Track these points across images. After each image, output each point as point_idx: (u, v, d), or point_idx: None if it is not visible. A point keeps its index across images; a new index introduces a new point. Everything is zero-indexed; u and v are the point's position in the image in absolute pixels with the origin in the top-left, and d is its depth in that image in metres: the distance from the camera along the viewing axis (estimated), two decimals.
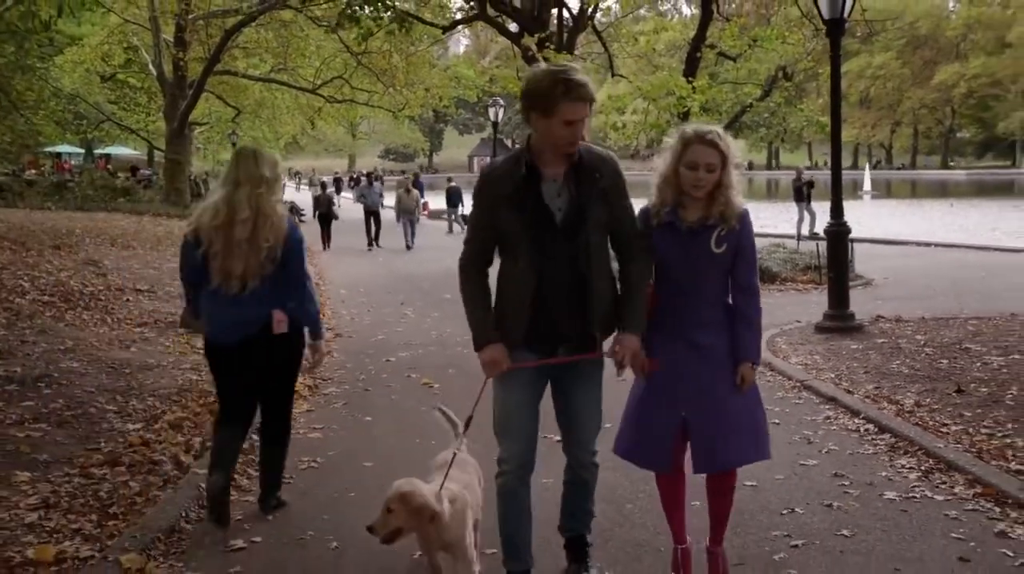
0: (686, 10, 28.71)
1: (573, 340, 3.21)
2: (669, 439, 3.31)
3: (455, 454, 3.38)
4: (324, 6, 21.11)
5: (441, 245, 20.18)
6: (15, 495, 4.35)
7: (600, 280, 3.18)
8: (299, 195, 42.54)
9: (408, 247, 20.37)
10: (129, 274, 12.81)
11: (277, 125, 36.76)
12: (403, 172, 40.12)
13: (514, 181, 3.12)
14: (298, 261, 4.16)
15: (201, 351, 8.34)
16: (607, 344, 3.29)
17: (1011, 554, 3.68)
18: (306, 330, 4.33)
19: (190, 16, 25.77)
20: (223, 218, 4.00)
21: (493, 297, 3.25)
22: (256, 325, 4.09)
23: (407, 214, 20.83)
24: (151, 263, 14.49)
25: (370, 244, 20.61)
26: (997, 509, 4.16)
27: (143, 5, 26.86)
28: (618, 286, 3.32)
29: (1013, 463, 4.72)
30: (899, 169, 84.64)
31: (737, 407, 3.29)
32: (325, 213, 20.63)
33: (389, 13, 9.71)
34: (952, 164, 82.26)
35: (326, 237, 20.56)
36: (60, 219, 20.27)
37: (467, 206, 20.01)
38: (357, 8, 9.40)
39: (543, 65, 2.84)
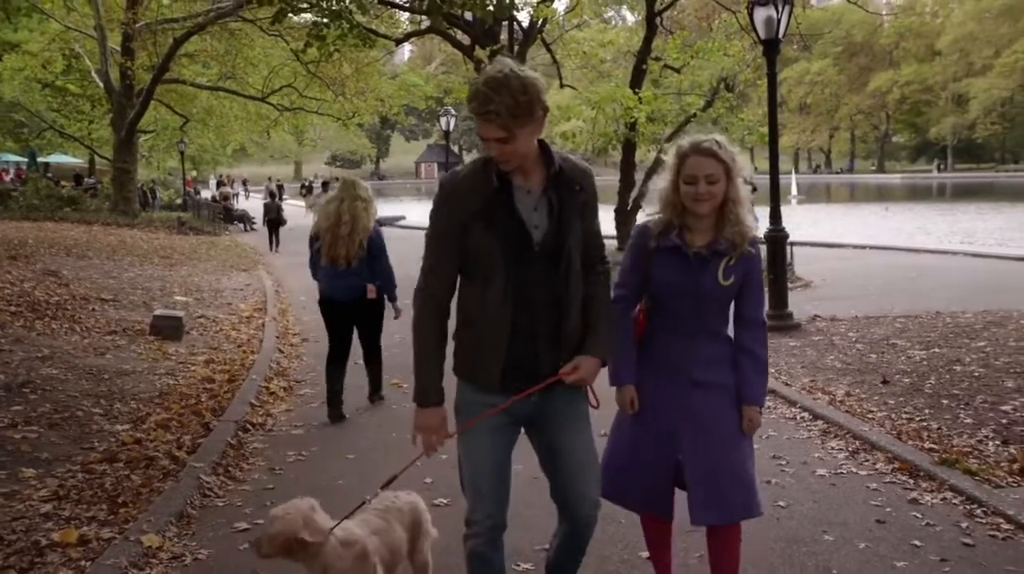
0: (629, 17, 29.32)
1: (547, 377, 2.75)
2: (667, 481, 3.06)
3: (366, 500, 3.04)
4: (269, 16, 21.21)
5: (393, 250, 20.32)
6: (26, 489, 4.70)
7: (575, 307, 2.76)
8: (249, 203, 42.29)
9: None
10: (91, 284, 12.95)
11: (226, 133, 36.73)
12: (324, 179, 40.15)
13: (483, 194, 2.65)
14: (379, 250, 6.36)
15: (174, 357, 8.73)
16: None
17: (920, 516, 4.27)
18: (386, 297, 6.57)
19: (137, 25, 25.72)
20: (332, 221, 6.24)
21: (459, 330, 2.80)
22: (357, 291, 6.34)
23: None
24: (110, 273, 14.61)
25: None
26: (911, 481, 4.77)
27: (87, 12, 26.74)
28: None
29: (927, 442, 5.34)
30: (838, 173, 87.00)
31: (741, 453, 3.02)
32: (274, 219, 22.42)
33: (354, 31, 10.08)
34: (929, 165, 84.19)
35: (275, 240, 22.31)
36: (8, 229, 20.14)
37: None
38: (324, 27, 9.76)
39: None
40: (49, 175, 37.06)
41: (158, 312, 10.02)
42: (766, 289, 10.12)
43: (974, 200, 40.95)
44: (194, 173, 49.35)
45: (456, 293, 2.80)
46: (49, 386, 7.04)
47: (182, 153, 36.89)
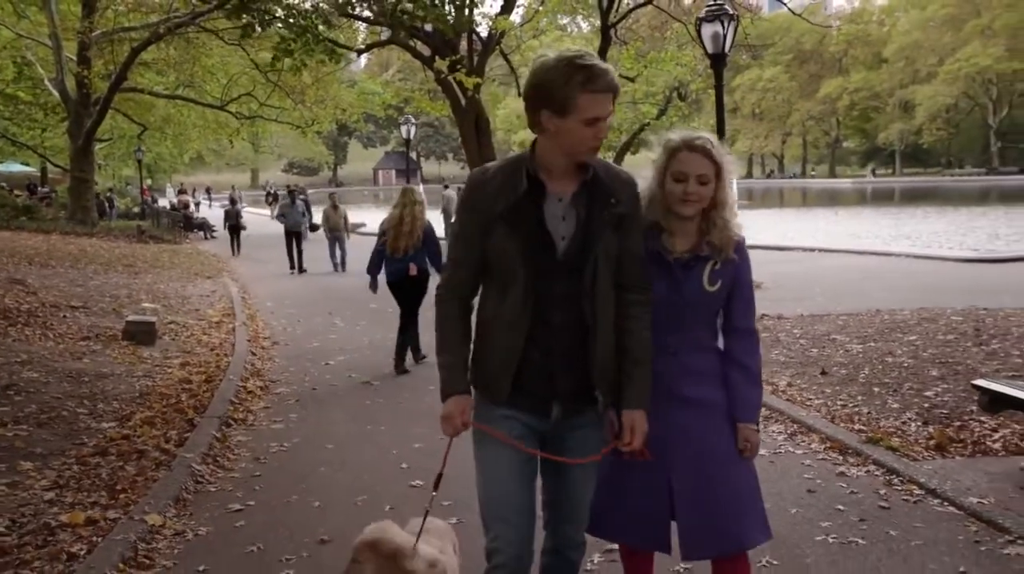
0: (584, 25, 29.85)
1: (570, 398, 2.61)
2: (663, 511, 2.77)
3: (427, 512, 2.71)
4: (226, 24, 21.23)
5: (361, 258, 19.99)
6: (27, 480, 5.03)
7: (606, 325, 2.59)
8: (210, 211, 42.12)
9: (336, 269, 18.76)
10: (58, 292, 13.13)
11: (183, 141, 36.70)
12: (290, 187, 40.29)
13: (511, 196, 2.51)
14: (430, 240, 8.27)
15: (149, 361, 9.02)
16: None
17: (845, 486, 4.80)
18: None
19: (94, 33, 25.70)
20: (396, 220, 8.19)
21: (476, 339, 2.70)
22: (403, 271, 8.21)
23: (334, 232, 18.95)
24: (76, 281, 14.77)
25: (292, 268, 18.80)
26: (840, 457, 5.30)
27: (40, 20, 26.66)
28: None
29: (857, 425, 5.88)
30: (791, 178, 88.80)
31: (737, 475, 2.77)
32: (234, 225, 24.19)
33: (320, 46, 10.44)
34: (881, 169, 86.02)
35: (236, 245, 23.91)
36: None
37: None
38: (291, 42, 10.11)
39: (550, 53, 2.44)
40: (1, 184, 36.69)
41: (131, 318, 10.30)
42: None
43: (921, 204, 42.25)
44: (149, 181, 49.07)
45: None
46: (32, 388, 7.32)
47: (139, 161, 36.76)
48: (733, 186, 2.82)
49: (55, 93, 27.77)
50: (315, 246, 20.23)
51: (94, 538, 4.12)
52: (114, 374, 8.18)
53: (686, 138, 2.74)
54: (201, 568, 3.92)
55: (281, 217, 19.55)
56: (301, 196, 21.37)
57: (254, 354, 9.37)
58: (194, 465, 5.28)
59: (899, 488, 4.68)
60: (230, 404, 6.93)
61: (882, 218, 33.53)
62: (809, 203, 53.38)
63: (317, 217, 21.59)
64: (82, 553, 3.95)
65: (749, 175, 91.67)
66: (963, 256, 18.14)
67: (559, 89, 2.39)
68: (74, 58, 26.87)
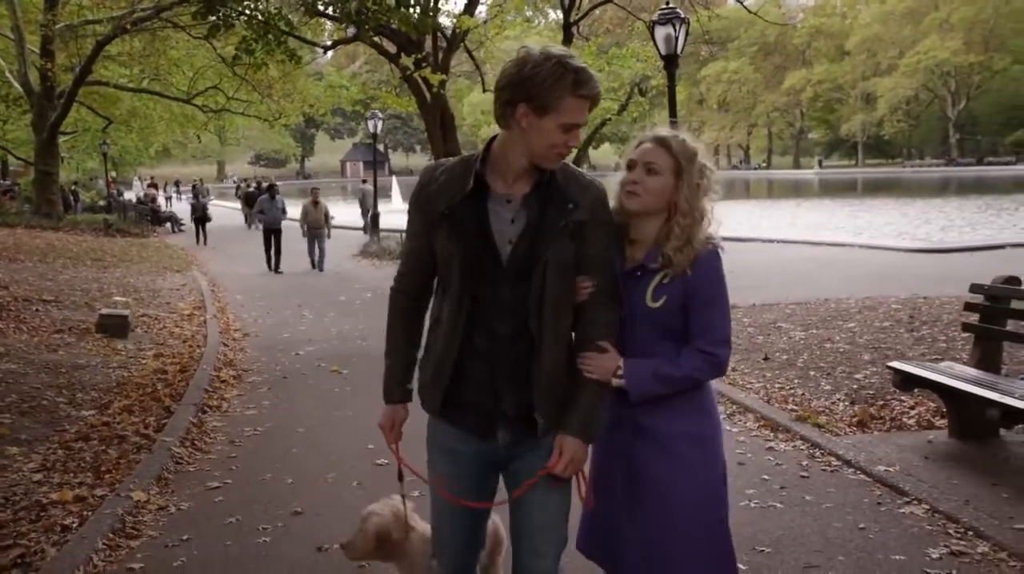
0: (552, 15, 30.17)
1: (515, 421, 2.39)
2: (616, 541, 2.58)
3: (403, 497, 2.84)
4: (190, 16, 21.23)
5: (336, 256, 19.38)
6: (14, 463, 5.36)
7: (553, 340, 2.36)
8: (180, 205, 42.03)
9: (314, 268, 18.04)
10: (28, 286, 13.32)
11: (149, 134, 36.60)
12: (269, 182, 40.28)
13: (456, 195, 2.35)
14: None
15: (124, 353, 9.30)
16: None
17: (772, 459, 5.29)
18: None
19: (57, 26, 25.64)
20: None
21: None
22: None
23: (314, 229, 18.12)
24: (45, 275, 14.94)
25: (270, 267, 17.99)
26: (771, 434, 5.79)
27: (2, 12, 26.53)
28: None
29: (790, 405, 6.39)
30: (756, 169, 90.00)
31: (695, 518, 2.48)
32: (200, 217, 25.78)
33: (281, 48, 10.73)
34: (844, 161, 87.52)
35: (203, 236, 25.51)
36: None
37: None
38: (252, 43, 10.39)
39: (534, 47, 2.28)
40: None
41: (104, 311, 10.57)
42: None
43: (881, 195, 43.19)
44: (114, 174, 48.75)
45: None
46: (11, 379, 7.61)
47: (105, 155, 36.63)
48: (704, 201, 2.48)
49: (17, 86, 27.65)
50: (291, 242, 19.11)
51: (84, 513, 4.48)
52: (90, 365, 8.47)
53: (657, 132, 2.52)
54: (185, 537, 4.31)
55: (260, 214, 18.58)
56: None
57: (226, 345, 9.69)
58: (173, 448, 5.64)
59: (820, 460, 5.16)
60: (205, 392, 7.28)
61: (841, 209, 34.29)
62: (775, 194, 54.24)
63: (292, 211, 20.42)
64: (74, 525, 4.32)
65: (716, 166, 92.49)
66: (914, 247, 18.81)
67: (546, 87, 2.22)
68: (37, 51, 26.78)
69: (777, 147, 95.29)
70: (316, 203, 18.14)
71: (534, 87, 2.23)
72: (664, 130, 2.53)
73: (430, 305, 2.55)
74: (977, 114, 74.44)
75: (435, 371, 2.43)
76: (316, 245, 18.07)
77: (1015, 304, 5.38)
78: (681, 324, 2.44)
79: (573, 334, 2.45)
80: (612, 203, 2.50)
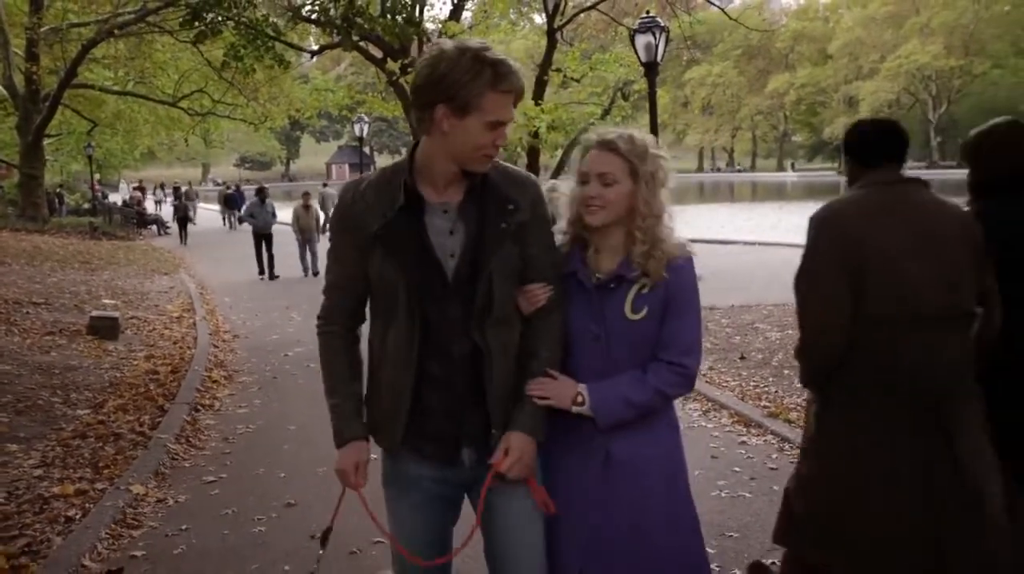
0: (537, 19, 30.39)
1: (477, 439, 2.25)
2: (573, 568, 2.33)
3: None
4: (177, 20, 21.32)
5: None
6: (15, 460, 5.55)
7: (503, 354, 2.23)
8: (168, 209, 41.98)
9: (307, 274, 17.25)
10: (17, 288, 13.46)
11: (134, 137, 36.63)
12: (226, 183, 39.76)
13: (387, 213, 2.17)
14: None
15: (115, 354, 9.48)
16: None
17: (744, 453, 5.56)
18: None
19: (42, 29, 25.69)
20: None
21: (367, 376, 2.35)
22: None
23: (306, 234, 17.34)
24: (33, 278, 15.06)
25: (262, 273, 17.29)
26: (744, 429, 6.05)
27: None
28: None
29: (763, 402, 6.65)
30: (739, 171, 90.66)
31: (673, 553, 2.34)
32: (183, 218, 27.43)
33: (269, 54, 10.93)
34: (836, 165, 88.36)
35: (184, 235, 26.92)
36: None
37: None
38: (241, 49, 10.59)
39: (447, 43, 2.10)
40: None
41: (95, 313, 10.73)
42: None
43: None
44: (98, 176, 48.68)
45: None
46: (6, 380, 7.78)
47: (90, 157, 36.63)
48: (662, 195, 2.33)
49: (2, 88, 27.67)
50: (280, 246, 18.04)
51: (86, 505, 4.69)
52: (82, 366, 8.65)
53: (600, 135, 2.35)
54: (184, 527, 4.52)
55: (250, 218, 17.72)
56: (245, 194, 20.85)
57: (216, 347, 9.88)
58: (169, 445, 5.85)
59: (788, 453, 5.42)
60: (197, 392, 7.48)
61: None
62: (759, 197, 54.69)
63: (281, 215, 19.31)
64: (77, 517, 4.53)
65: (700, 169, 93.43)
66: None
67: (462, 85, 2.04)
68: (22, 54, 26.82)
69: (761, 150, 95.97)
70: (307, 207, 17.42)
71: (451, 86, 2.05)
72: (609, 131, 2.35)
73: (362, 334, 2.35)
74: (958, 117, 75.09)
75: (391, 406, 2.24)
76: (308, 250, 17.35)
77: None
78: (658, 336, 2.30)
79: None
80: (565, 214, 2.41)
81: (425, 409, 2.22)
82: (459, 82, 2.04)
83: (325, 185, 27.58)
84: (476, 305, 2.17)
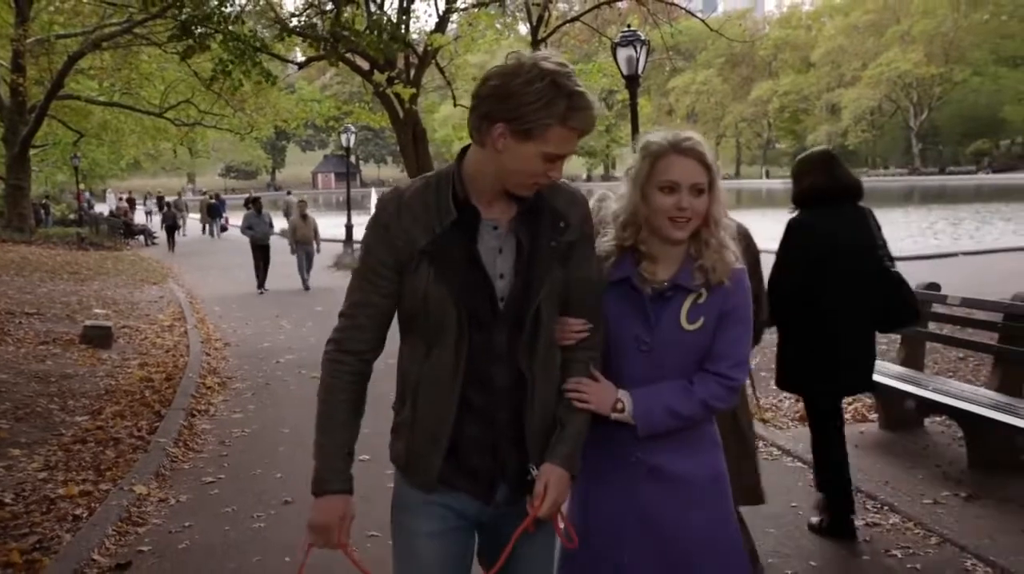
0: (522, 29, 30.72)
1: (513, 477, 2.07)
2: None
3: None
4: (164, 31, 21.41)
5: (290, 260, 17.18)
6: (19, 463, 5.76)
7: (546, 384, 2.07)
8: (158, 219, 42.05)
9: (306, 286, 16.59)
10: (8, 299, 13.60)
11: (120, 147, 36.71)
12: (207, 192, 39.95)
13: (436, 227, 1.96)
14: None
15: (109, 362, 9.65)
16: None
17: None
18: None
19: (28, 41, 25.77)
20: None
21: (397, 403, 2.12)
22: None
23: (303, 245, 16.57)
24: (24, 289, 15.20)
25: (261, 286, 16.67)
26: None
27: None
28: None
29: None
30: (724, 179, 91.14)
31: (714, 557, 2.24)
32: (171, 225, 28.42)
33: (256, 69, 11.15)
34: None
35: (172, 242, 27.86)
36: None
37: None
38: (229, 64, 10.81)
39: (526, 54, 1.91)
40: None
41: (88, 322, 10.92)
42: None
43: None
44: (83, 186, 48.68)
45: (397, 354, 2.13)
46: (4, 388, 7.96)
47: (76, 168, 36.70)
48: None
49: None
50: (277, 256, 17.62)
51: (91, 505, 4.91)
52: (78, 374, 8.84)
53: (673, 139, 2.19)
54: (187, 524, 4.75)
55: (248, 229, 16.95)
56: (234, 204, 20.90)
57: (208, 354, 10.08)
58: (168, 448, 6.06)
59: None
60: (192, 398, 7.69)
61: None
62: (744, 204, 55.18)
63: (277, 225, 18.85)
64: (84, 515, 4.74)
65: None
66: None
67: (532, 111, 1.84)
68: (8, 65, 26.91)
69: (745, 157, 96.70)
70: (305, 217, 16.63)
71: (518, 107, 1.84)
72: (680, 135, 2.21)
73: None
74: (939, 124, 76.22)
75: (429, 439, 2.02)
76: (306, 261, 16.62)
77: (936, 308, 5.95)
78: (709, 343, 2.18)
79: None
80: (630, 228, 2.26)
81: (464, 443, 2.03)
82: (529, 106, 1.84)
83: (289, 193, 27.97)
84: (524, 330, 2.01)
